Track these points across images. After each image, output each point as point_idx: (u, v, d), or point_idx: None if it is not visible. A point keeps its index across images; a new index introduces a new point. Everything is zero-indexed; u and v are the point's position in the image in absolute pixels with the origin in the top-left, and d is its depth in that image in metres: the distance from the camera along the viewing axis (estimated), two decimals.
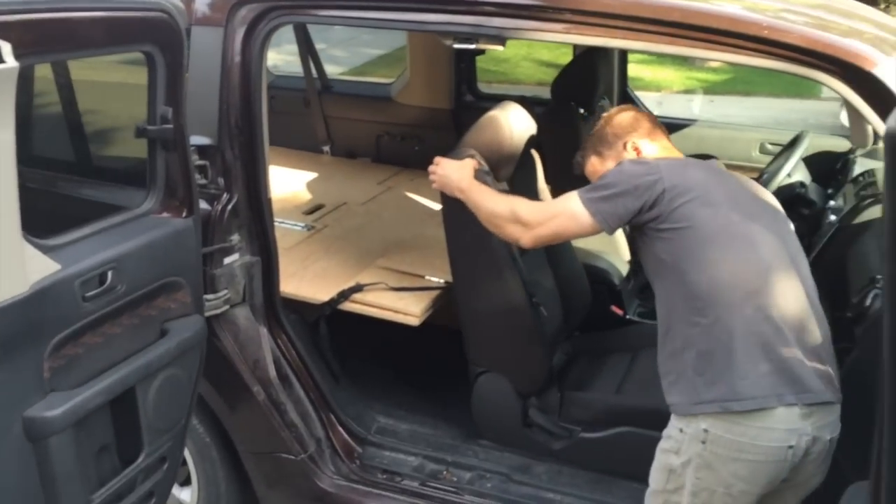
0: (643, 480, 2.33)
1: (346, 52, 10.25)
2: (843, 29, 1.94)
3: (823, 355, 1.83)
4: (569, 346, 2.63)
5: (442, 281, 2.64)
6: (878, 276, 1.96)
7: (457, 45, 2.16)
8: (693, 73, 10.82)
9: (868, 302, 1.92)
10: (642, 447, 2.25)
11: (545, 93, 3.65)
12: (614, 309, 2.92)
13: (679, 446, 1.85)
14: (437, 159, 2.34)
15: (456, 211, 2.34)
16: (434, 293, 2.59)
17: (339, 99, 4.03)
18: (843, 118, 4.14)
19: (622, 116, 2.14)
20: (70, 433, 1.80)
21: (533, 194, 2.62)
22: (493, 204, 2.11)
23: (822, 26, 1.88)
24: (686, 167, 1.96)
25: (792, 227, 2.02)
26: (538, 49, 10.84)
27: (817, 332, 1.83)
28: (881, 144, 3.15)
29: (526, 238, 2.04)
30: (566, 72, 3.23)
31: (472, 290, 2.44)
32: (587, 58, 3.10)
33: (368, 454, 2.53)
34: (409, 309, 2.51)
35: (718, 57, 1.92)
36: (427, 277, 2.65)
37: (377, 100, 4.01)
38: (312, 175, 3.64)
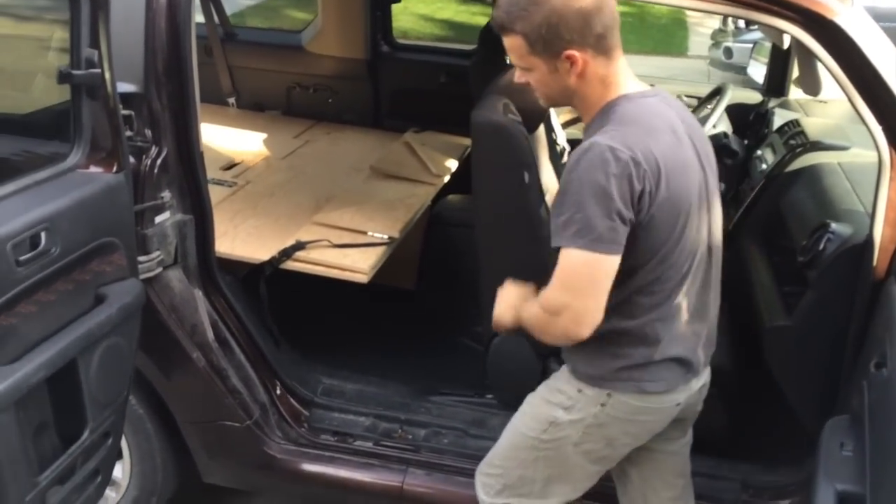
0: None
1: None
2: None
3: (715, 319, 1.84)
4: None
5: (385, 237, 2.56)
6: (829, 221, 2.04)
7: None
8: None
9: (821, 246, 2.00)
10: None
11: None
12: None
13: (573, 404, 1.79)
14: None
15: (487, 164, 2.19)
16: (379, 249, 2.51)
17: (244, 48, 3.80)
18: (751, 71, 4.32)
19: (575, 6, 1.58)
20: (12, 412, 1.62)
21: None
22: (533, 316, 1.72)
23: None
24: (651, 142, 1.58)
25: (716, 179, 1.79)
26: (415, 3, 10.72)
27: (718, 298, 1.83)
28: (795, 95, 3.31)
29: (583, 328, 1.61)
30: None
31: (501, 248, 2.26)
32: None
33: (316, 417, 2.44)
34: (357, 266, 2.42)
35: (684, 4, 1.91)
36: (370, 234, 2.56)
37: (287, 49, 3.81)
38: (221, 129, 3.43)
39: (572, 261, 1.57)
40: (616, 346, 1.72)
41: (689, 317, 1.74)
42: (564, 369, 1.84)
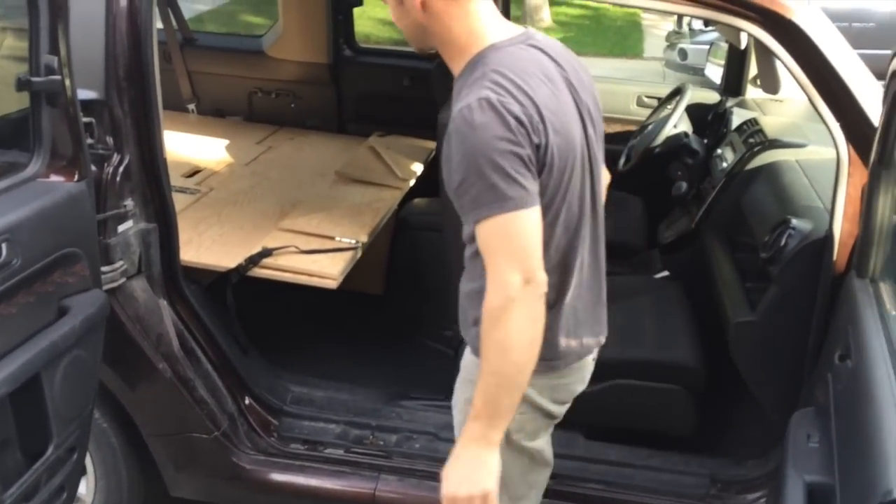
0: (635, 430, 2.43)
1: None
2: None
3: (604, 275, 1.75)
4: None
5: (353, 241, 2.54)
6: (790, 217, 2.08)
7: None
8: None
9: (782, 242, 2.04)
10: (636, 397, 2.36)
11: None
12: None
13: None
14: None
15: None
16: (347, 254, 2.49)
17: (204, 53, 3.75)
18: (709, 72, 4.40)
19: None
20: None
21: None
22: (494, 361, 1.50)
23: None
24: (530, 93, 1.46)
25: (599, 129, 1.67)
26: (372, 6, 10.74)
27: (603, 253, 1.73)
28: (752, 95, 3.38)
29: (528, 286, 1.45)
30: None
31: None
32: None
33: (286, 426, 2.41)
34: (326, 271, 2.40)
35: (645, 4, 1.94)
36: (338, 239, 2.54)
37: (247, 54, 3.77)
38: (182, 135, 3.39)
39: (506, 228, 1.43)
40: None
41: (587, 275, 1.66)
42: (468, 357, 1.71)
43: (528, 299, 1.45)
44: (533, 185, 1.45)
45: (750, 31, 1.89)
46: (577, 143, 1.54)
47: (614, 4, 1.97)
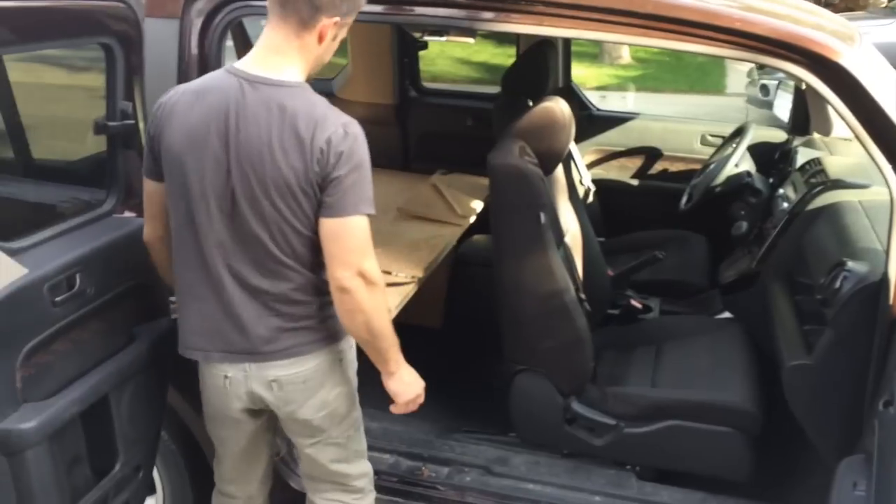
0: (687, 472, 2.42)
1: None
2: (808, 22, 2.01)
3: (240, 312, 1.81)
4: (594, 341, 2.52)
5: (409, 276, 2.62)
6: (846, 259, 2.04)
7: (427, 38, 2.13)
8: (605, 69, 11.12)
9: (837, 285, 2.00)
10: (689, 440, 2.35)
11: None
12: (633, 303, 2.93)
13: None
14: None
15: (504, 205, 2.33)
16: (403, 288, 2.56)
17: None
18: (777, 110, 4.33)
19: None
20: (45, 446, 1.70)
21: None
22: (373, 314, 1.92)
23: (791, 19, 1.95)
24: (179, 100, 1.76)
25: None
26: (451, 47, 10.95)
27: (241, 293, 1.79)
28: (818, 135, 3.32)
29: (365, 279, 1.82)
30: (518, 65, 3.25)
31: (519, 287, 2.39)
32: (537, 52, 3.13)
33: None
34: None
35: (690, 49, 1.96)
36: (394, 273, 2.62)
37: None
38: None
39: None
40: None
41: (201, 291, 1.81)
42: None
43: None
44: (152, 163, 1.82)
45: (797, 74, 1.88)
46: (189, 169, 1.73)
47: (668, 49, 1.98)
